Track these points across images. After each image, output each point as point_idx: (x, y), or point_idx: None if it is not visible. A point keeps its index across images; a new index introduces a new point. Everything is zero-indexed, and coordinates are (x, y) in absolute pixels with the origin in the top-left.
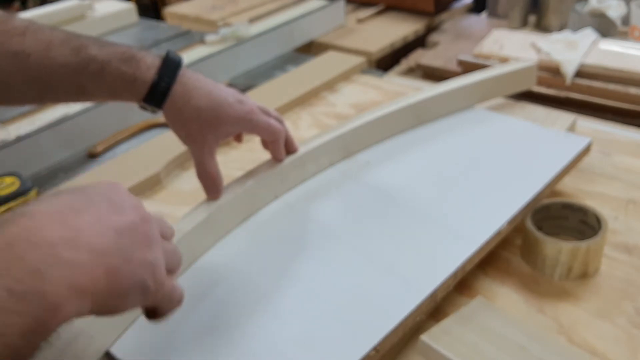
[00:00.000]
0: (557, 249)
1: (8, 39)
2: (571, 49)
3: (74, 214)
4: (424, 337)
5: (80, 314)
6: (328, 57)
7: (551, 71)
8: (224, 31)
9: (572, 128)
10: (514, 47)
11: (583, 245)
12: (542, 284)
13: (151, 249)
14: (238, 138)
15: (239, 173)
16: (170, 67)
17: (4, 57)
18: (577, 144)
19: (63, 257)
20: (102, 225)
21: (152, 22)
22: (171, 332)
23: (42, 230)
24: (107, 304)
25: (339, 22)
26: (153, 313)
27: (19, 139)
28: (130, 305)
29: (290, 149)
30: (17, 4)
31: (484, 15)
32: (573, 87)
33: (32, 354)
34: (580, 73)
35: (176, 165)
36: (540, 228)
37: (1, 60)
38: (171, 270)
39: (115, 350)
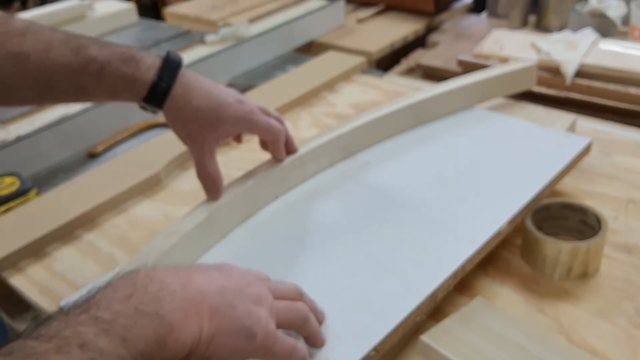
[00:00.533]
0: (557, 249)
1: (8, 40)
2: (571, 49)
3: (187, 272)
4: (424, 337)
5: (192, 342)
6: (328, 57)
7: (551, 71)
8: (224, 31)
9: (572, 128)
10: (514, 47)
11: (583, 245)
12: (542, 284)
13: (258, 304)
14: (238, 138)
15: (239, 173)
16: (170, 67)
17: (4, 57)
18: (577, 144)
19: (176, 293)
20: (210, 281)
21: (152, 22)
22: None
23: (159, 276)
24: (214, 341)
25: (339, 22)
26: None
27: (19, 139)
28: (238, 347)
29: (290, 149)
30: (17, 4)
31: (484, 15)
32: (573, 87)
33: None
34: (580, 73)
35: (176, 165)
36: (540, 228)
37: (1, 61)
38: (290, 326)
39: None
